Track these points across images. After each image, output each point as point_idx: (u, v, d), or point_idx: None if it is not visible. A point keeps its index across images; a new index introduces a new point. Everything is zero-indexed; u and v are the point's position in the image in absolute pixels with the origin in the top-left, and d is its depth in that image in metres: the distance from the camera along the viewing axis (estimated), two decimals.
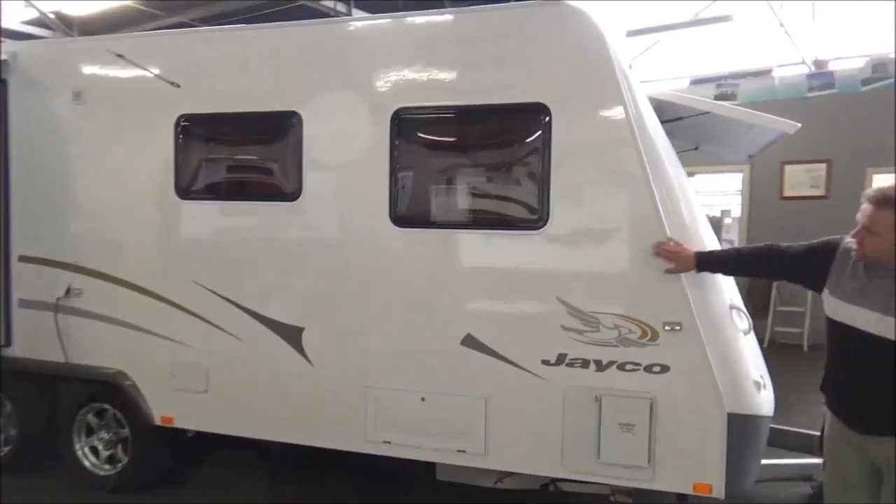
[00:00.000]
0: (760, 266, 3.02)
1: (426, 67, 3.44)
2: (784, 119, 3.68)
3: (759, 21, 10.75)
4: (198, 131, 3.92)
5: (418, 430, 3.50)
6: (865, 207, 2.45)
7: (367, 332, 3.60)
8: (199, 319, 3.84)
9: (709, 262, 3.00)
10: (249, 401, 3.82)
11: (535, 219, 3.28)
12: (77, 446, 4.29)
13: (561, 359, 3.25)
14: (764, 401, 3.13)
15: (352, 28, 3.72)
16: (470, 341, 3.37)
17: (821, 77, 9.14)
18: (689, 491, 3.10)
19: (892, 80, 8.26)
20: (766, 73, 12.14)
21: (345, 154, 3.59)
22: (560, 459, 3.27)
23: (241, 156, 4.01)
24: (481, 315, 3.40)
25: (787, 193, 8.77)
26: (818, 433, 4.10)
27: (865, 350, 2.45)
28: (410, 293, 3.51)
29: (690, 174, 9.20)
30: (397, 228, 3.47)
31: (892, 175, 10.38)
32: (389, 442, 3.57)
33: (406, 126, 3.48)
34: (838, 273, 2.56)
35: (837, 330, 2.56)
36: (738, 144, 4.59)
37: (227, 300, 3.78)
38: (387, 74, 3.49)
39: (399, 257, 3.52)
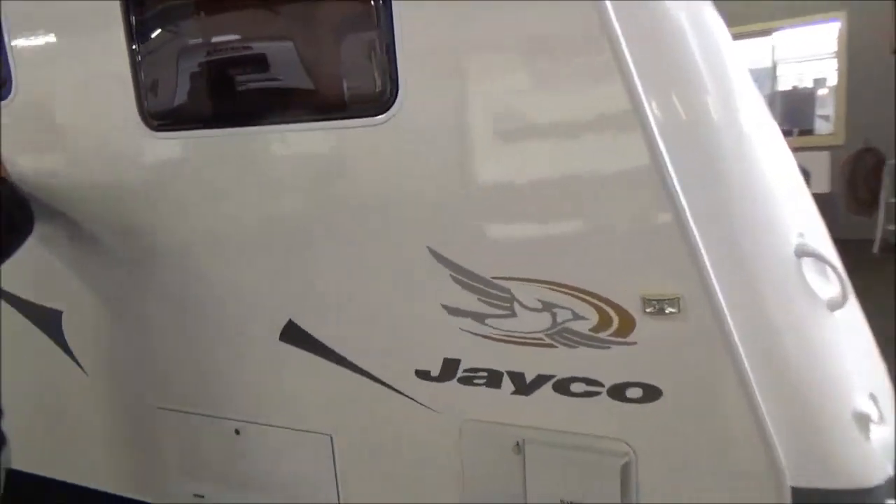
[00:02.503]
0: None
1: None
2: None
3: None
4: None
5: (232, 477, 2.04)
6: None
7: (148, 313, 2.09)
8: None
9: None
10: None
11: (374, 94, 1.59)
12: None
13: (450, 369, 1.64)
14: (875, 453, 1.42)
15: None
16: (292, 332, 1.81)
17: None
18: None
19: None
20: None
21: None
22: None
23: None
24: (303, 294, 1.80)
25: None
26: None
27: None
28: (185, 249, 1.94)
29: (766, 31, 7.07)
30: (155, 134, 1.86)
31: None
32: (202, 496, 2.14)
33: None
34: None
35: None
36: None
37: None
38: None
39: (166, 181, 1.91)
